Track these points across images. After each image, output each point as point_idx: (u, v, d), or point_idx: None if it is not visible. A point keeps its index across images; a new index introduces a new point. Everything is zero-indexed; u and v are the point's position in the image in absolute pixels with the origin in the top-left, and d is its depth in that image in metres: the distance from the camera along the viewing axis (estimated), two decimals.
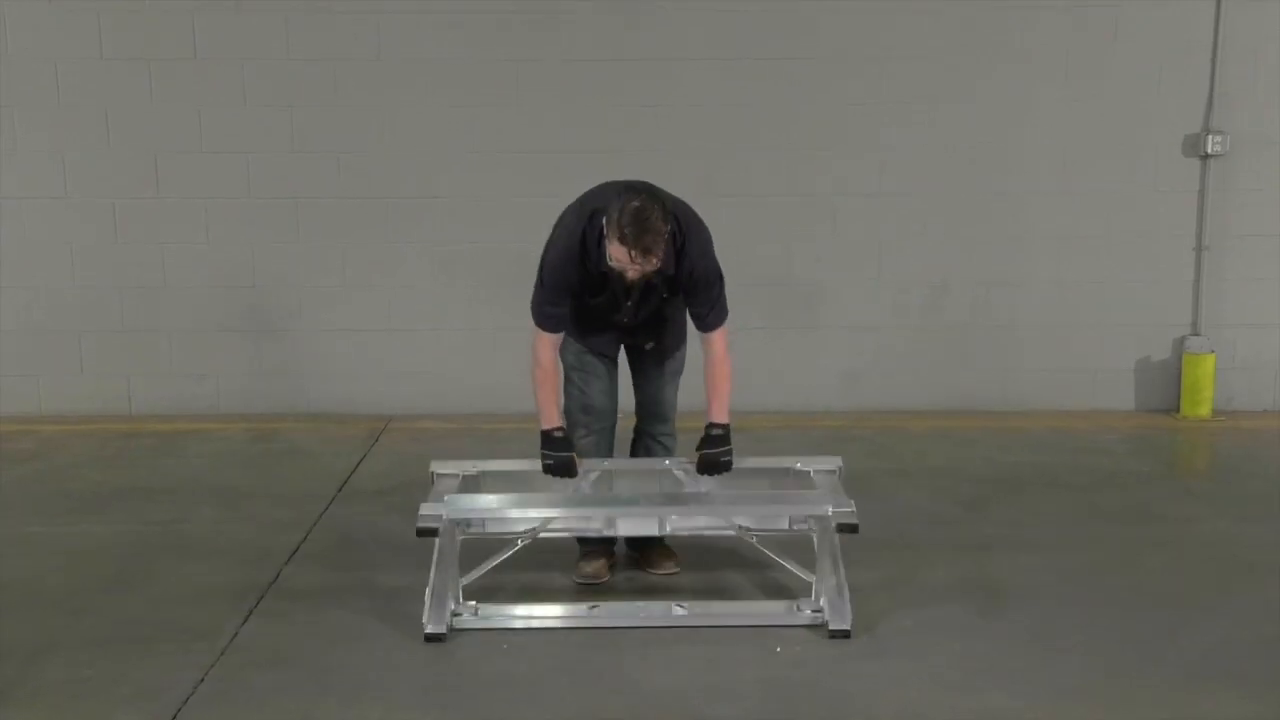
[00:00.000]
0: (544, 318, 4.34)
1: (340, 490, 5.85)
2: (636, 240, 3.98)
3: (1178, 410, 7.43)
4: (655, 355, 4.63)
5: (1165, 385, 7.49)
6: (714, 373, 4.41)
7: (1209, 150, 7.20)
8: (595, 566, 4.58)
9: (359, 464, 6.32)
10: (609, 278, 4.24)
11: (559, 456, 4.39)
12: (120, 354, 7.30)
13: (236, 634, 4.13)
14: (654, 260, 4.06)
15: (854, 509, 4.20)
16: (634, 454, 4.80)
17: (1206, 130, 7.20)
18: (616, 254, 4.07)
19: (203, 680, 3.78)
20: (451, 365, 7.39)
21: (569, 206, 4.40)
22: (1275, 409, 7.49)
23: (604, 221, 4.10)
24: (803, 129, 7.22)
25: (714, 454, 4.41)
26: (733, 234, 7.24)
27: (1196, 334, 7.41)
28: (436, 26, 7.07)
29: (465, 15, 7.06)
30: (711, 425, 4.42)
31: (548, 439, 4.39)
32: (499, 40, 7.09)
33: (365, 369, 7.39)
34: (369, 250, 7.30)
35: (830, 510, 4.21)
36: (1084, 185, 7.29)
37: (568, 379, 4.63)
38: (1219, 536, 5.16)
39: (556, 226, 4.39)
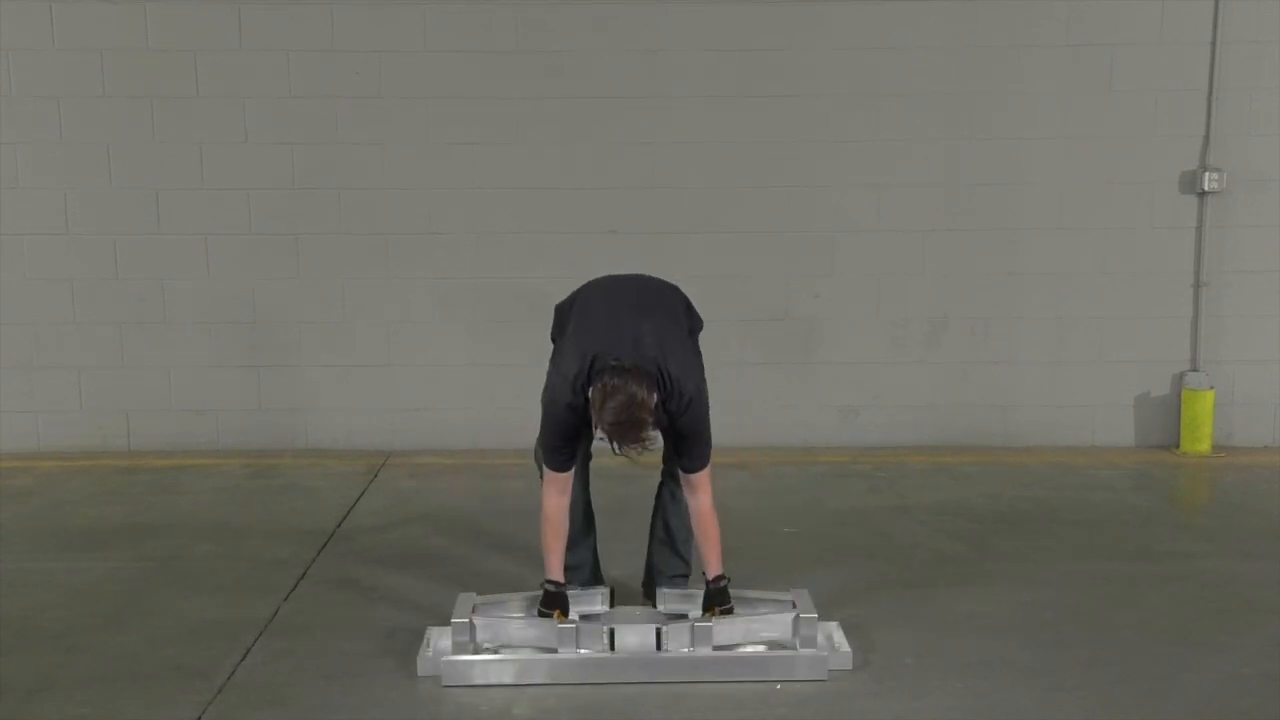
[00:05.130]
0: (550, 454, 4.21)
1: (339, 526, 5.84)
2: (618, 439, 3.92)
3: (1177, 446, 7.42)
4: None
5: (1165, 421, 7.50)
6: (701, 529, 4.27)
7: (1206, 187, 7.23)
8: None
9: (358, 500, 6.30)
10: None
11: (552, 605, 4.18)
12: (120, 390, 7.31)
13: (234, 671, 4.10)
14: (639, 447, 3.98)
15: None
16: (659, 499, 4.63)
17: (1204, 167, 7.24)
18: (601, 433, 3.98)
19: (200, 718, 3.76)
20: (451, 400, 7.39)
21: (561, 361, 4.21)
22: (1275, 445, 7.49)
23: (590, 392, 4.01)
24: (801, 165, 7.25)
25: (722, 610, 4.24)
26: (731, 270, 7.33)
27: (1195, 370, 7.42)
28: (437, 65, 7.11)
29: (466, 54, 7.11)
30: (710, 581, 4.26)
31: (546, 594, 4.22)
32: (500, 78, 7.13)
33: (365, 404, 7.39)
34: (369, 286, 7.31)
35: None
36: (1082, 222, 7.32)
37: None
38: (1220, 573, 5.14)
39: (554, 374, 4.24)
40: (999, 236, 7.36)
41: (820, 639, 4.12)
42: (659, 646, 4.08)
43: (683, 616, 4.20)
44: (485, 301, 7.32)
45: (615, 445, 3.96)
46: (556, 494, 4.24)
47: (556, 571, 4.25)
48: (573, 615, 4.17)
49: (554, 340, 4.51)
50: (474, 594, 4.26)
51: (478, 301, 7.34)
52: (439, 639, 4.15)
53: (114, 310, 7.25)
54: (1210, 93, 7.21)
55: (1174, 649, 4.30)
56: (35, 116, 7.07)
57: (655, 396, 3.98)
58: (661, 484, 4.65)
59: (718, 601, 4.24)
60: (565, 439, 4.20)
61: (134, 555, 5.38)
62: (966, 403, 7.48)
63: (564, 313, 4.47)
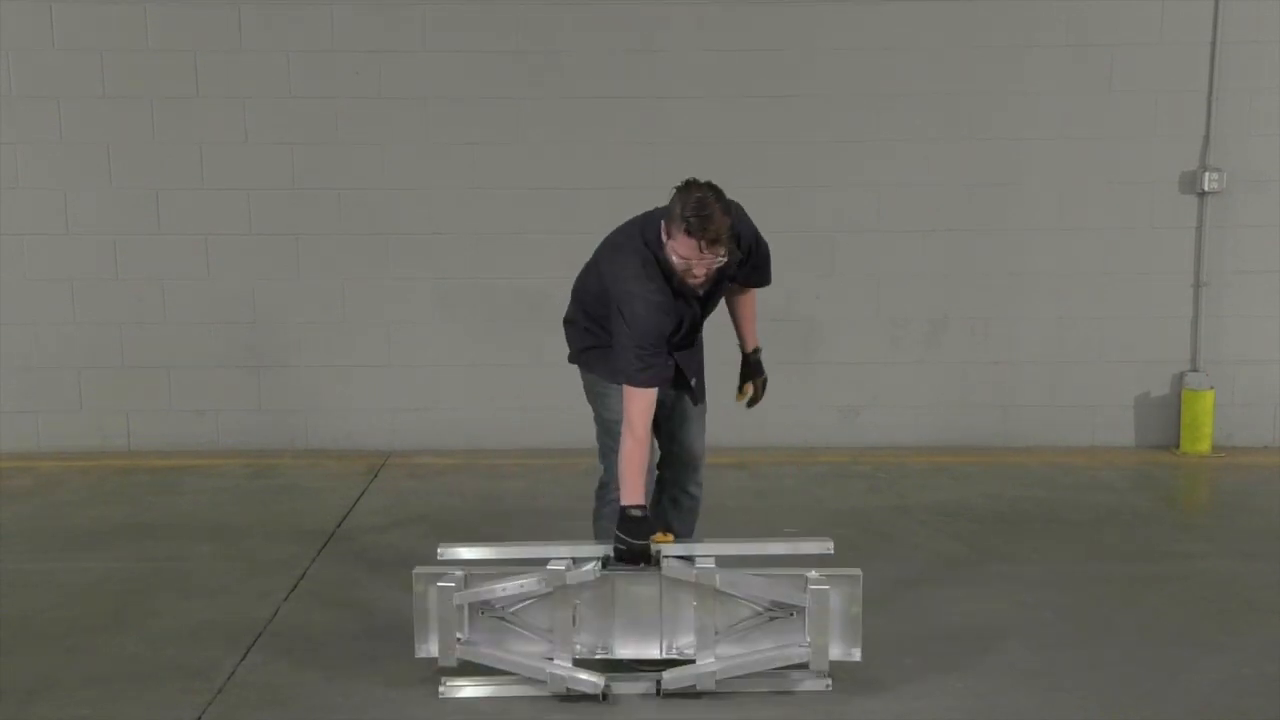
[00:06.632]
0: (641, 372, 3.96)
1: (339, 527, 5.84)
2: (703, 231, 3.84)
3: (1177, 446, 7.42)
4: (696, 393, 4.47)
5: (1165, 421, 7.49)
6: (748, 300, 4.58)
7: (1206, 187, 7.23)
8: None
9: (358, 500, 6.30)
10: (679, 293, 4.07)
11: (633, 545, 3.89)
12: (119, 390, 7.30)
13: (234, 672, 4.11)
14: (720, 251, 3.89)
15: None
16: (658, 505, 4.57)
17: (1203, 167, 7.24)
18: (683, 250, 3.88)
19: (200, 718, 3.76)
20: (451, 401, 7.39)
21: (614, 259, 4.14)
22: (1275, 445, 7.49)
23: (663, 223, 3.98)
24: (801, 165, 7.25)
25: (762, 380, 4.64)
26: None
27: (1195, 370, 7.42)
28: (437, 65, 7.11)
29: (465, 54, 7.11)
30: (753, 351, 4.62)
31: (626, 518, 3.92)
32: (499, 78, 7.13)
33: (364, 404, 7.39)
34: (369, 286, 7.31)
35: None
36: (1082, 222, 7.32)
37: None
38: (1220, 574, 5.14)
39: (617, 280, 4.08)
40: (999, 236, 7.36)
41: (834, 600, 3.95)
42: (659, 693, 3.88)
43: (688, 559, 3.97)
44: (485, 301, 7.32)
45: (700, 243, 3.84)
46: (645, 412, 3.97)
47: (636, 492, 3.96)
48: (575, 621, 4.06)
49: (567, 323, 4.45)
50: (456, 549, 4.11)
51: (478, 301, 7.33)
52: (432, 586, 3.99)
53: (114, 310, 7.25)
54: (1210, 93, 7.21)
55: (1174, 649, 4.30)
56: (35, 116, 7.06)
57: (731, 217, 4.02)
58: (662, 491, 4.65)
59: (756, 372, 4.60)
60: (659, 340, 3.99)
61: (134, 555, 5.39)
62: (966, 403, 7.48)
63: (585, 278, 4.42)
